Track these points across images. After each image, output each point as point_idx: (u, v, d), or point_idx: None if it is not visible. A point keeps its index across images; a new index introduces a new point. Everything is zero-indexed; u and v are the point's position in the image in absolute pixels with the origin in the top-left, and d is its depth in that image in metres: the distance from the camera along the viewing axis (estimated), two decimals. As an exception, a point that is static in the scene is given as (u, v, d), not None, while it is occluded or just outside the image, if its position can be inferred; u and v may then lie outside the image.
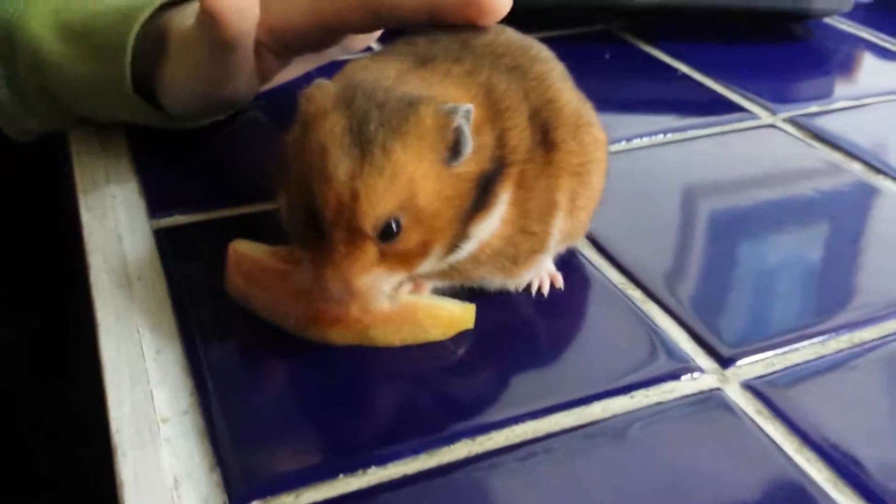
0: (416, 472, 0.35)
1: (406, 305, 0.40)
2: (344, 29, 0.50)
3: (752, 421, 0.38)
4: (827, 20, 0.84)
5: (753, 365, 0.41)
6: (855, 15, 0.85)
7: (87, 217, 0.50)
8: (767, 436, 0.37)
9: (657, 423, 0.38)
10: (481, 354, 0.41)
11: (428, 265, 0.39)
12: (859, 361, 0.42)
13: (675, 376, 0.40)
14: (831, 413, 0.38)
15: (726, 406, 0.39)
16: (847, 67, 0.77)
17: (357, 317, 0.40)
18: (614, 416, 0.38)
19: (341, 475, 0.35)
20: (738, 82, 0.70)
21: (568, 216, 0.44)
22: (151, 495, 0.34)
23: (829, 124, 0.64)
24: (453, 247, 0.39)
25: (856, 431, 0.38)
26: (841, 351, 0.42)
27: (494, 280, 0.44)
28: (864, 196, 0.56)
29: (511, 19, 0.46)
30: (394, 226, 0.36)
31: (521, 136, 0.41)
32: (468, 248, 0.40)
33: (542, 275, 0.45)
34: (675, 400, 0.39)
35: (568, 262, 0.47)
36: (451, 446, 0.36)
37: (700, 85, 0.70)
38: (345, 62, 0.43)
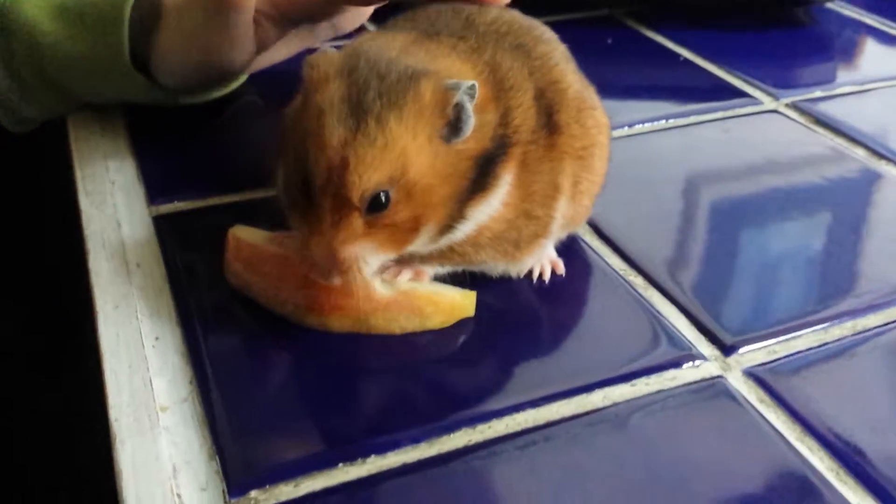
0: (415, 461, 0.35)
1: (406, 293, 0.40)
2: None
3: (754, 409, 0.38)
4: (830, 5, 0.83)
5: (755, 352, 0.41)
6: (858, 0, 0.85)
7: (85, 203, 0.50)
8: (769, 424, 0.37)
9: (658, 411, 0.37)
10: (481, 342, 0.41)
11: (419, 244, 0.39)
12: (862, 349, 0.41)
13: (676, 364, 0.40)
14: (833, 401, 0.38)
15: (728, 394, 0.38)
16: (850, 53, 0.76)
17: (356, 304, 0.39)
18: (615, 405, 0.38)
19: (340, 464, 0.34)
20: (740, 68, 0.69)
21: (570, 200, 0.44)
22: (150, 483, 0.34)
23: (832, 110, 0.63)
24: (447, 227, 0.39)
25: (858, 419, 0.37)
26: (843, 338, 0.42)
27: (497, 265, 0.43)
28: (866, 182, 0.55)
29: (514, 2, 0.46)
30: (383, 198, 0.36)
31: (525, 115, 0.40)
32: (465, 229, 0.40)
33: (544, 261, 0.45)
34: (677, 388, 0.39)
35: (569, 249, 0.47)
36: (451, 435, 0.36)
37: (702, 70, 0.69)
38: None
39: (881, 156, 0.58)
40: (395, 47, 0.39)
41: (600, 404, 0.38)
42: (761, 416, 0.37)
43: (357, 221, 0.36)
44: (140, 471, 0.34)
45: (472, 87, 0.37)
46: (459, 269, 0.43)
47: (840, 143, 0.59)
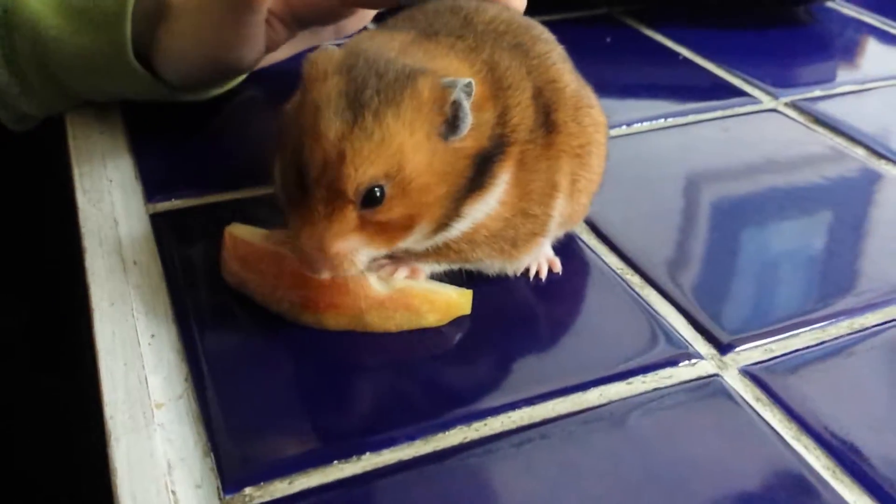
0: (411, 458, 0.35)
1: (402, 290, 0.40)
2: (363, 2, 0.51)
3: (751, 407, 0.38)
4: (830, 4, 0.83)
5: (752, 351, 0.41)
6: (858, -1, 0.85)
7: (82, 200, 0.50)
8: (766, 422, 0.37)
9: (654, 409, 0.37)
10: (477, 340, 0.41)
11: (413, 241, 0.39)
12: (859, 348, 0.41)
13: (673, 362, 0.40)
14: (830, 400, 0.38)
15: (725, 392, 0.38)
16: (850, 52, 0.76)
17: (352, 302, 0.39)
18: (611, 403, 0.38)
19: (335, 461, 0.34)
20: (739, 66, 0.69)
21: (568, 198, 0.44)
22: (144, 480, 0.34)
23: (831, 109, 0.63)
24: (443, 224, 0.39)
25: (855, 418, 0.37)
26: (840, 337, 0.42)
27: (493, 264, 0.43)
28: (866, 181, 0.55)
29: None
30: (377, 193, 0.36)
31: (523, 114, 0.40)
32: (461, 227, 0.40)
33: (541, 259, 0.45)
34: (673, 386, 0.39)
35: (566, 247, 0.47)
36: (447, 432, 0.36)
37: (701, 69, 0.69)
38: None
39: (880, 155, 0.58)
40: (393, 47, 0.39)
41: (596, 402, 0.38)
42: (757, 415, 0.37)
43: (351, 215, 0.36)
44: (135, 468, 0.34)
45: (468, 85, 0.37)
46: (456, 267, 0.43)
47: (839, 142, 0.59)
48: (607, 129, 0.47)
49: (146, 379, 0.38)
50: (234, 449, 0.35)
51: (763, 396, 0.38)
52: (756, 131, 0.61)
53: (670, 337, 0.41)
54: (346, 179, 0.36)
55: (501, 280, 0.44)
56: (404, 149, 0.36)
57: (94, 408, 0.38)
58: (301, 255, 0.37)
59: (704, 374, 0.39)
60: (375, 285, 0.40)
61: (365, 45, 0.39)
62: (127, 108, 0.59)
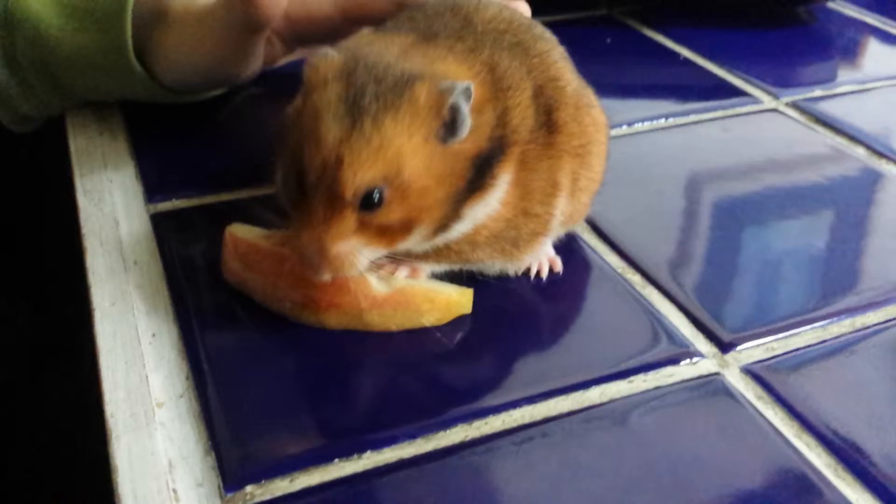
0: (412, 457, 0.35)
1: (402, 290, 0.40)
2: (366, 20, 0.51)
3: (752, 406, 0.38)
4: (831, 4, 0.83)
5: (753, 349, 0.41)
6: (860, -1, 0.85)
7: (83, 201, 0.50)
8: (767, 421, 0.37)
9: (656, 408, 0.37)
10: (478, 339, 0.41)
11: (413, 243, 0.39)
12: (860, 346, 0.41)
13: (674, 361, 0.40)
14: (831, 398, 0.38)
15: (726, 391, 0.38)
16: (851, 52, 0.76)
17: (353, 301, 0.39)
18: (612, 401, 0.38)
19: (336, 459, 0.34)
20: (740, 67, 0.69)
21: (570, 197, 0.44)
22: (146, 479, 0.34)
23: (832, 109, 0.63)
24: (443, 226, 0.39)
25: (856, 416, 0.37)
26: (842, 335, 0.42)
27: (494, 264, 0.43)
28: (866, 181, 0.55)
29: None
30: (376, 196, 0.36)
31: (523, 115, 0.40)
32: (461, 228, 0.40)
33: (542, 259, 0.45)
34: (674, 385, 0.39)
35: (567, 247, 0.47)
36: (448, 431, 0.36)
37: (702, 69, 0.69)
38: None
39: (881, 154, 0.58)
40: (393, 51, 0.39)
41: (597, 401, 0.38)
42: (759, 413, 0.37)
43: (350, 218, 0.36)
44: (136, 466, 0.34)
45: (467, 89, 0.37)
46: (457, 267, 0.43)
47: (840, 141, 0.59)
48: (608, 129, 0.47)
49: (147, 378, 0.38)
50: (235, 447, 0.35)
51: (764, 395, 0.38)
52: (757, 131, 0.61)
53: (671, 335, 0.41)
54: (344, 183, 0.36)
55: (503, 279, 0.44)
56: (402, 152, 0.36)
57: (95, 407, 0.38)
58: (302, 256, 0.37)
59: (706, 372, 0.39)
60: (376, 285, 0.40)
61: (365, 49, 0.39)
62: (127, 109, 0.59)
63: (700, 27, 0.77)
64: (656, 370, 0.39)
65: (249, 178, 0.51)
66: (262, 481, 0.33)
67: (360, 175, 0.36)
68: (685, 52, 0.72)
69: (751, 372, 0.39)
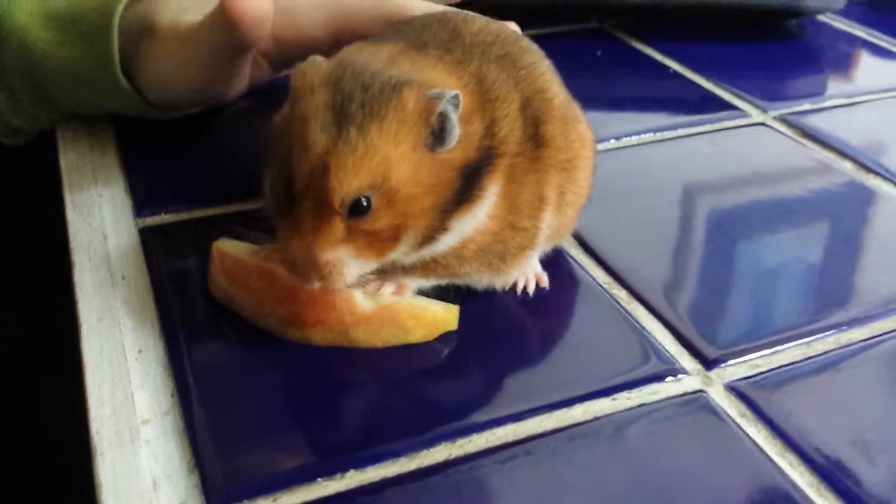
0: (395, 475, 0.35)
1: (388, 306, 0.40)
2: (354, 41, 0.51)
3: (736, 423, 0.38)
4: (821, 18, 0.84)
5: (738, 366, 0.41)
6: (849, 12, 0.85)
7: (72, 215, 0.50)
8: (750, 439, 0.37)
9: (640, 425, 0.37)
10: (463, 356, 0.41)
11: (401, 253, 0.39)
12: (846, 363, 0.41)
13: (658, 378, 0.40)
14: (815, 416, 0.38)
15: (710, 408, 0.38)
16: (840, 65, 0.76)
17: (338, 317, 0.39)
18: (596, 419, 0.38)
19: (320, 479, 0.34)
20: (729, 80, 0.69)
21: (556, 211, 0.44)
22: (129, 497, 0.34)
23: (820, 123, 0.64)
24: (431, 238, 0.39)
25: (840, 434, 0.37)
26: (827, 352, 0.42)
27: (481, 278, 0.43)
28: (854, 195, 0.55)
29: (502, 16, 0.46)
30: (363, 203, 0.36)
31: (511, 126, 0.41)
32: (448, 241, 0.40)
33: (529, 274, 0.45)
34: (659, 402, 0.39)
35: (554, 262, 0.47)
36: (431, 449, 0.36)
37: (691, 83, 0.70)
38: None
39: (869, 169, 0.58)
40: (381, 59, 0.39)
41: (581, 418, 0.38)
42: (742, 431, 0.37)
43: (338, 226, 0.37)
44: (120, 483, 0.34)
45: (455, 97, 0.37)
46: (444, 282, 0.43)
47: (828, 156, 0.59)
48: (594, 144, 0.47)
49: (133, 395, 0.38)
50: (219, 466, 0.35)
51: (748, 412, 0.38)
52: (745, 145, 0.61)
53: (656, 352, 0.41)
54: (331, 191, 0.36)
55: (488, 295, 0.44)
56: (389, 160, 0.36)
57: (82, 422, 0.38)
58: (290, 264, 0.37)
59: (690, 389, 0.39)
60: (362, 301, 0.40)
61: (353, 57, 0.39)
62: (117, 123, 0.59)
63: (690, 40, 0.77)
64: (640, 387, 0.39)
65: (238, 192, 0.51)
66: (245, 500, 0.33)
67: (346, 183, 0.36)
68: (674, 66, 0.73)
69: (735, 389, 0.39)
